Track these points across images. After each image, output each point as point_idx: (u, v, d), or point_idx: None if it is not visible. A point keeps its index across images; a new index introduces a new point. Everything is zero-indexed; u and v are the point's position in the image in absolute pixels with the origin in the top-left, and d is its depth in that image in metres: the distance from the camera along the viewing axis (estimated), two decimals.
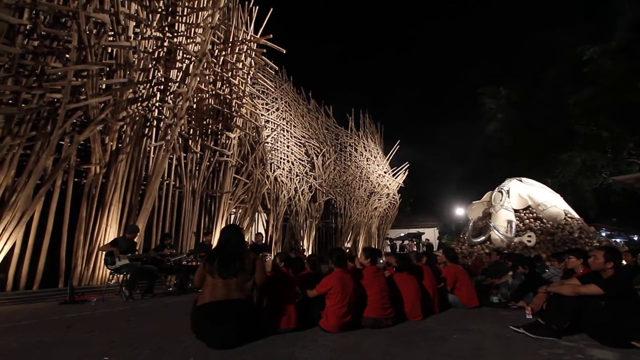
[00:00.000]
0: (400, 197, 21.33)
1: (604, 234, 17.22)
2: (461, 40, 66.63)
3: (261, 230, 12.58)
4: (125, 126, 7.04)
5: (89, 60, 6.02)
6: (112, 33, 6.79)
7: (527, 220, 11.83)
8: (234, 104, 9.92)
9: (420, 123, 64.78)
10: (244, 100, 10.19)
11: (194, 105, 9.05)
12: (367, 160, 19.46)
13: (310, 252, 13.98)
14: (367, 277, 3.65)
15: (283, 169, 13.81)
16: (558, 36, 19.80)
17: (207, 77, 8.93)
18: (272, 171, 12.99)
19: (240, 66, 10.14)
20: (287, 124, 14.75)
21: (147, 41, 7.66)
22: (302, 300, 3.68)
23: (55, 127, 5.73)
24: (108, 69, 6.82)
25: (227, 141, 9.88)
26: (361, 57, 78.08)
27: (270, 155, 12.95)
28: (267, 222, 13.04)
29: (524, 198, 12.24)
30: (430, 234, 23.73)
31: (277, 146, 13.83)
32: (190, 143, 8.84)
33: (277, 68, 12.08)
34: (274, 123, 13.92)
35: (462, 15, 66.71)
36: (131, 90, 7.06)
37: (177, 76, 8.46)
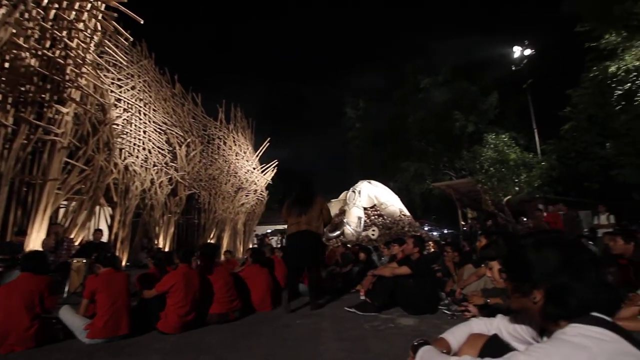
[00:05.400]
0: (269, 194, 21.65)
1: (426, 228, 21.60)
2: (337, 39, 69.51)
3: (103, 226, 10.65)
4: None
5: None
6: None
7: (373, 217, 13.80)
8: (68, 71, 8.06)
9: (290, 124, 66.90)
10: (83, 69, 8.39)
11: (6, 65, 6.93)
12: (236, 155, 18.94)
13: (167, 250, 12.67)
14: (215, 273, 3.51)
15: (137, 157, 12.03)
16: (407, 62, 24.16)
17: (27, 31, 6.97)
18: (123, 159, 11.16)
19: (82, 27, 8.33)
20: (145, 106, 12.92)
21: None
22: (140, 303, 3.27)
23: None
24: None
25: (58, 116, 7.94)
26: (236, 48, 75.42)
27: (120, 140, 11.10)
28: (113, 217, 11.14)
29: (371, 197, 14.24)
30: None
31: (131, 130, 11.98)
32: None
33: (132, 39, 10.40)
34: (128, 103, 12.01)
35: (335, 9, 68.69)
36: None
37: None
